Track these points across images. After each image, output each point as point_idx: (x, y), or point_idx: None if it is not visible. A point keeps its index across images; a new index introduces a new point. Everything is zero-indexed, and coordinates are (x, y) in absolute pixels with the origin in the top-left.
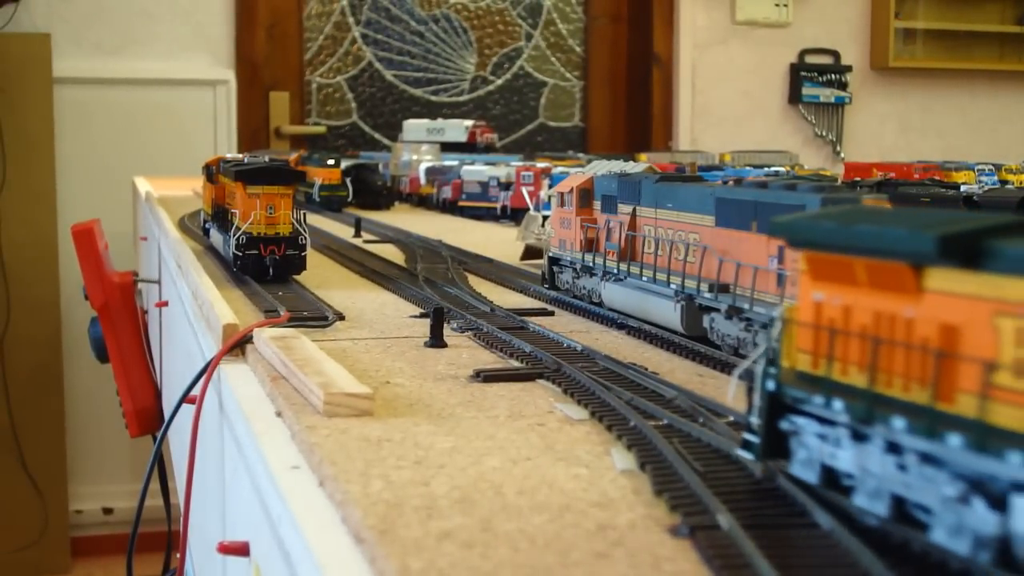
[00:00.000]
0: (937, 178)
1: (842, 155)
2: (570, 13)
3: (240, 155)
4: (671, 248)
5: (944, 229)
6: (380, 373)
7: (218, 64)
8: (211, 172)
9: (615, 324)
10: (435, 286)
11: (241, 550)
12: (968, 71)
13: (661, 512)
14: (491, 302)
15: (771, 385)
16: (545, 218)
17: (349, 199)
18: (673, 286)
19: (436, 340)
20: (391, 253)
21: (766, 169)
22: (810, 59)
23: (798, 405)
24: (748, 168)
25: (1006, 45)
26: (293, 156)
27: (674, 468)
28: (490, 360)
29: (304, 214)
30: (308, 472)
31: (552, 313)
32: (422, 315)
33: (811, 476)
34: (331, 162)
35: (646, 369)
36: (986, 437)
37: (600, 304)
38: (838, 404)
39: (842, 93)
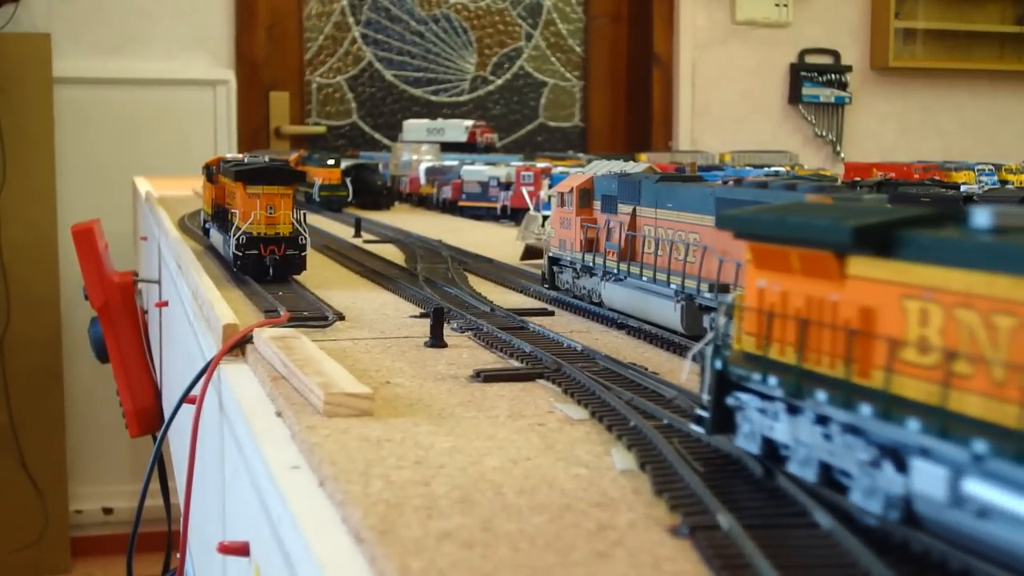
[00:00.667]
0: (937, 178)
1: (842, 155)
2: (570, 13)
3: (240, 155)
4: (671, 248)
5: (860, 221)
6: (380, 373)
7: (218, 64)
8: (211, 172)
9: (615, 324)
10: (435, 286)
11: (241, 550)
12: (968, 71)
13: (661, 512)
14: (491, 302)
15: (718, 364)
16: (545, 218)
17: (349, 199)
18: (673, 286)
19: (436, 340)
20: (391, 253)
21: (766, 169)
22: (810, 59)
23: (742, 382)
24: (748, 168)
25: (1006, 45)
26: (293, 156)
27: (674, 468)
28: (490, 360)
29: (304, 214)
30: (308, 472)
31: (552, 313)
32: (422, 315)
33: (753, 447)
34: (331, 162)
35: (646, 369)
36: (890, 406)
37: (600, 304)
38: (773, 380)
39: (842, 93)
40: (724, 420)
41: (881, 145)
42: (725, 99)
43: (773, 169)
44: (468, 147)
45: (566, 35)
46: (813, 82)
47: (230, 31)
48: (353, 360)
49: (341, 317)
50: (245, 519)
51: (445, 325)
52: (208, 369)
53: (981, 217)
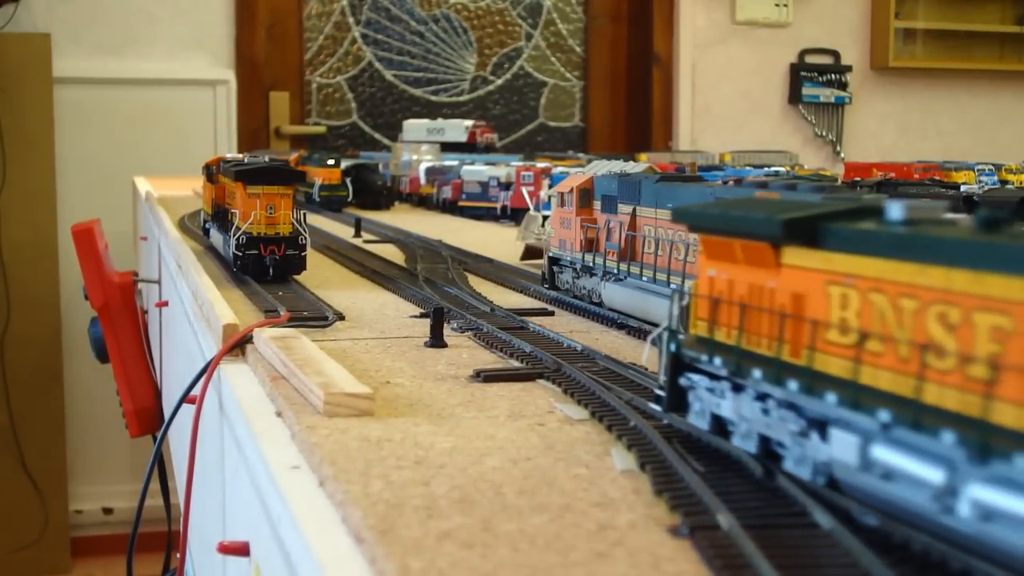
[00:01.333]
0: (937, 178)
1: (842, 155)
2: (570, 13)
3: (240, 155)
4: (671, 248)
5: (791, 215)
6: (380, 373)
7: (218, 64)
8: (211, 172)
9: (615, 324)
10: (435, 286)
11: (241, 550)
12: (968, 71)
13: (661, 512)
14: (491, 302)
15: (672, 347)
16: (545, 218)
17: (349, 199)
18: (673, 286)
19: (436, 340)
20: (391, 253)
21: (766, 169)
22: (810, 59)
23: (693, 364)
24: (748, 168)
25: (1006, 45)
26: (293, 156)
27: (674, 468)
28: (490, 360)
29: (304, 214)
30: (308, 472)
31: (552, 313)
32: (422, 315)
33: (703, 424)
34: (331, 162)
35: (646, 369)
36: (813, 382)
37: (600, 304)
38: (718, 361)
39: (842, 93)
40: (679, 399)
41: (881, 145)
42: (725, 99)
43: (773, 169)
44: (468, 147)
45: (566, 35)
46: (813, 82)
47: (230, 31)
48: (353, 360)
49: (341, 317)
50: (245, 519)
51: (445, 325)
52: (208, 369)
53: (894, 211)
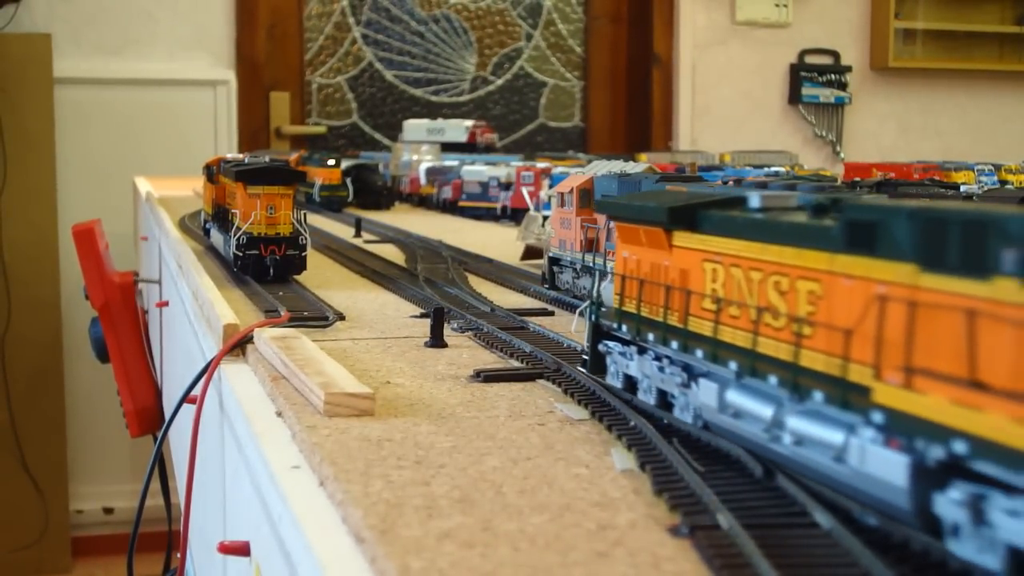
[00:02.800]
0: (937, 178)
1: (842, 155)
2: (570, 13)
3: (240, 155)
4: None
5: (676, 203)
6: (380, 373)
7: (218, 64)
8: (212, 172)
9: None
10: (435, 286)
11: (241, 550)
12: (968, 71)
13: (661, 512)
14: (491, 302)
15: (593, 318)
16: (545, 218)
17: (349, 199)
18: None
19: (436, 340)
20: (391, 253)
21: (766, 169)
22: (810, 59)
23: (610, 332)
24: (748, 168)
25: (1006, 45)
26: (293, 156)
27: (674, 468)
28: (490, 360)
29: (304, 214)
30: (308, 472)
31: (552, 313)
32: (422, 315)
33: (617, 383)
34: (331, 162)
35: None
36: (688, 341)
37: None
38: (625, 328)
39: (842, 93)
40: (599, 363)
41: (881, 145)
42: (725, 99)
43: (773, 169)
44: (468, 147)
45: (566, 35)
46: (813, 82)
47: (230, 31)
48: (353, 360)
49: (341, 317)
50: (246, 519)
51: (445, 325)
52: (208, 369)
53: (753, 200)
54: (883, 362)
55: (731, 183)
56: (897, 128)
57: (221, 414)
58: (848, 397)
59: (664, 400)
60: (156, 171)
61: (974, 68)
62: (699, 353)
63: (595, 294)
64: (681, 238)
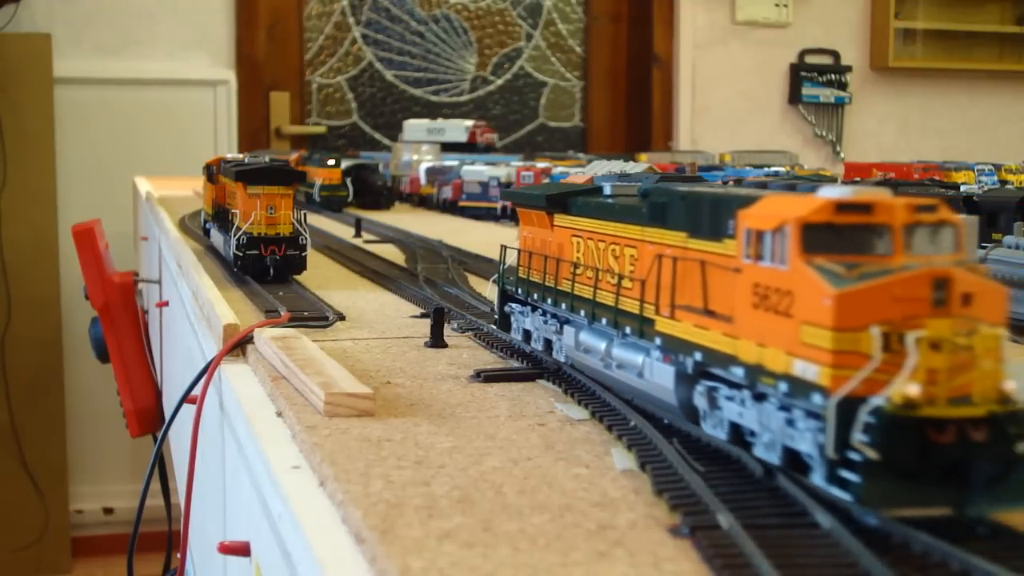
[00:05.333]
0: (937, 178)
1: (842, 155)
2: (570, 13)
3: (240, 155)
4: None
5: (552, 192)
6: (380, 373)
7: (218, 64)
8: (212, 172)
9: None
10: (435, 286)
11: (242, 550)
12: (968, 71)
13: (661, 512)
14: (491, 302)
15: (500, 284)
16: None
17: (349, 199)
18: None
19: (436, 340)
20: (391, 253)
21: (766, 169)
22: (810, 59)
23: (513, 296)
24: (748, 168)
25: (1006, 45)
26: (293, 156)
27: (674, 468)
28: (490, 360)
29: (304, 214)
30: (309, 472)
31: None
32: (422, 315)
33: (518, 336)
34: (331, 162)
35: None
36: (558, 298)
37: None
38: (521, 291)
39: (842, 93)
40: (505, 321)
41: (881, 145)
42: (725, 99)
43: (773, 169)
44: (468, 147)
45: (566, 35)
46: (813, 82)
47: (230, 31)
48: (353, 360)
49: (341, 317)
50: (246, 519)
51: (445, 325)
52: (209, 369)
53: (606, 189)
54: (661, 302)
55: (731, 183)
56: (897, 128)
57: (221, 414)
58: (644, 329)
59: (548, 346)
60: (156, 171)
61: (974, 68)
62: (563, 306)
63: (501, 267)
64: (559, 219)
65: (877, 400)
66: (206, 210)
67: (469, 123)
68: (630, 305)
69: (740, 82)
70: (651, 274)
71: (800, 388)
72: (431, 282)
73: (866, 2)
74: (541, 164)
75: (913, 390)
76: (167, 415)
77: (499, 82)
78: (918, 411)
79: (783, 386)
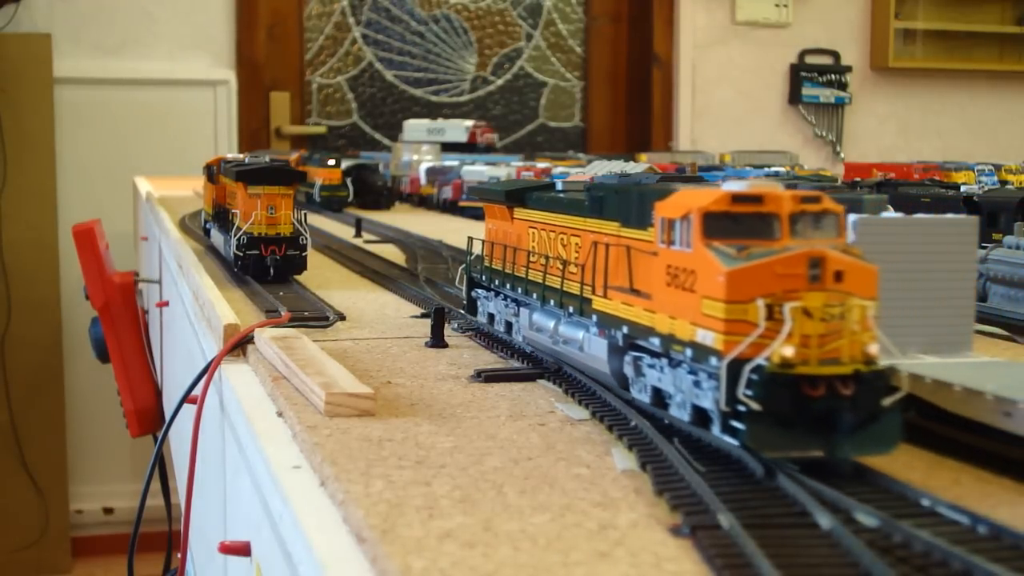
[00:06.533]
0: (937, 178)
1: (842, 155)
2: (570, 13)
3: (241, 155)
4: None
5: (510, 188)
6: (381, 373)
7: (218, 64)
8: (212, 172)
9: None
10: (435, 286)
11: (242, 550)
12: (968, 71)
13: (662, 512)
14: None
15: (467, 272)
16: None
17: (350, 199)
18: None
19: (437, 340)
20: (391, 253)
21: (766, 169)
22: (810, 59)
23: (478, 282)
24: (748, 168)
25: (1006, 45)
26: (294, 156)
27: (675, 468)
28: (491, 360)
29: (305, 214)
30: (309, 472)
31: None
32: (423, 315)
33: (483, 319)
34: (332, 162)
35: None
36: (516, 283)
37: None
38: (485, 278)
39: (842, 93)
40: (472, 306)
41: (881, 145)
42: (725, 99)
43: (773, 169)
44: (468, 147)
45: (566, 35)
46: (813, 82)
47: (230, 31)
48: (354, 360)
49: (342, 317)
50: (246, 519)
51: (446, 325)
52: (209, 369)
53: (558, 185)
54: (597, 284)
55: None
56: (897, 128)
57: (222, 414)
58: (583, 308)
59: (508, 328)
60: (156, 171)
61: (974, 68)
62: (520, 291)
63: (468, 256)
64: (518, 213)
65: (759, 361)
66: (206, 210)
67: (469, 123)
68: (573, 287)
69: (740, 82)
70: (589, 259)
71: (701, 353)
72: (431, 282)
73: (866, 2)
74: (541, 164)
75: (788, 352)
76: (167, 415)
77: (499, 82)
78: (793, 369)
79: (689, 352)
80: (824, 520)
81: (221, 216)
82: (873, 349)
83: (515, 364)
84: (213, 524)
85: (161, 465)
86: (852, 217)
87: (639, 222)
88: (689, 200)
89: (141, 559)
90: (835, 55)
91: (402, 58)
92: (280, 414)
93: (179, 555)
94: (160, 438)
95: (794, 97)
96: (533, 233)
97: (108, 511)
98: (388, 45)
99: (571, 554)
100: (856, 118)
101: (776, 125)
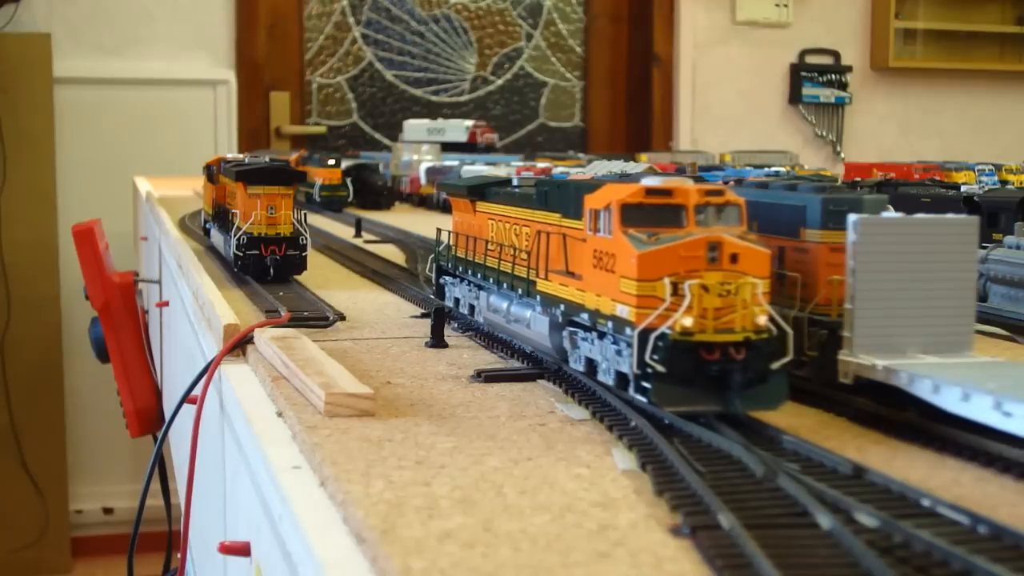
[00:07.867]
0: (937, 178)
1: (842, 155)
2: (570, 13)
3: (241, 155)
4: None
5: (474, 183)
6: (381, 373)
7: (218, 64)
8: (212, 172)
9: None
10: None
11: (242, 550)
12: (968, 71)
13: (662, 512)
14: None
15: (436, 261)
16: None
17: (350, 199)
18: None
19: (437, 340)
20: (391, 253)
21: (766, 169)
22: (810, 59)
23: (446, 270)
24: (748, 168)
25: (1006, 45)
26: (294, 156)
27: (675, 468)
28: (491, 360)
29: (305, 214)
30: (309, 472)
31: None
32: (423, 315)
33: (451, 303)
34: (332, 162)
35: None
36: (476, 270)
37: None
38: (449, 266)
39: (842, 93)
40: (441, 292)
41: (881, 145)
42: (725, 99)
43: (773, 169)
44: (468, 147)
45: (566, 35)
46: (813, 82)
47: (230, 31)
48: (354, 360)
49: (342, 317)
50: (246, 519)
51: (446, 325)
52: (209, 369)
53: (514, 181)
54: (539, 268)
55: (731, 183)
56: (897, 128)
57: (221, 414)
58: (529, 290)
59: (472, 310)
60: (156, 171)
61: (974, 68)
62: (479, 276)
63: (437, 246)
64: (480, 206)
65: (663, 329)
66: (206, 210)
67: (469, 123)
68: (522, 272)
69: (740, 82)
70: (535, 247)
71: (620, 325)
72: (431, 282)
73: (866, 2)
74: (541, 164)
75: (688, 322)
76: (167, 415)
77: (499, 82)
78: (693, 337)
79: (610, 324)
80: (824, 520)
81: (221, 216)
82: (762, 320)
83: (515, 364)
84: (213, 524)
85: (161, 465)
86: (852, 217)
87: (575, 213)
88: (611, 193)
89: (141, 559)
90: (835, 55)
91: (402, 58)
92: (280, 414)
93: (179, 555)
94: (160, 438)
95: (794, 97)
96: (492, 224)
97: (108, 511)
98: (388, 45)
99: (571, 554)
100: (856, 118)
101: (776, 125)
